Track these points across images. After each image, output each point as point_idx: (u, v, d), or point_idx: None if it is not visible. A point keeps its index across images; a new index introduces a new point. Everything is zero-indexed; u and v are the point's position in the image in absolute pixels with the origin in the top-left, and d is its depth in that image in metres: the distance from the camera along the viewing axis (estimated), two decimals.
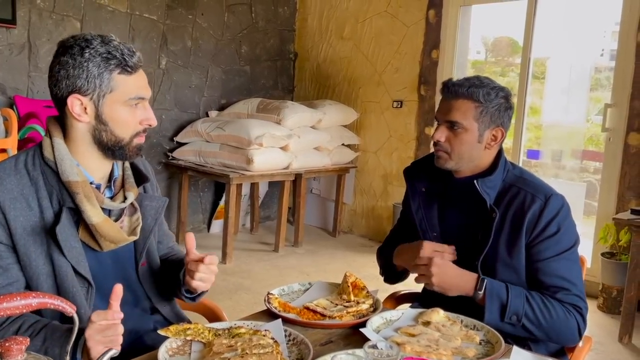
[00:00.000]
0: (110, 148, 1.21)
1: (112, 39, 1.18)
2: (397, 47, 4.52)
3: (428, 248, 1.39)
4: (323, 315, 1.30)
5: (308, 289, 1.49)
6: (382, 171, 4.67)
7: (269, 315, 1.30)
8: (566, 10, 5.64)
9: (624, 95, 3.46)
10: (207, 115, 4.53)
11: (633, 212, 3.00)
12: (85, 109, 1.17)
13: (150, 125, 1.24)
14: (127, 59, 1.17)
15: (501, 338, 1.18)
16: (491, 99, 1.40)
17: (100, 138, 1.19)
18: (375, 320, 1.27)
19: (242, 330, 1.15)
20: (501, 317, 1.32)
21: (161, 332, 1.10)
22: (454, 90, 1.41)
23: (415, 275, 1.44)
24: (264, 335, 1.11)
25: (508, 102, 1.43)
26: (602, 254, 3.42)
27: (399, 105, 4.53)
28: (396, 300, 1.69)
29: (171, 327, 1.11)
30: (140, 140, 1.24)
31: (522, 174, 1.47)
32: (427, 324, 1.26)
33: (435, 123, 1.49)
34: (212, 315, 1.53)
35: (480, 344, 1.20)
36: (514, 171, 1.47)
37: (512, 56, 6.90)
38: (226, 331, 1.16)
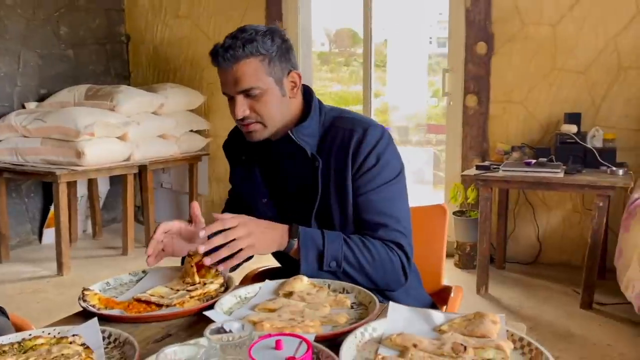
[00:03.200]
0: None
1: None
2: (239, 23, 4.19)
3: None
4: (159, 306, 1.02)
5: (142, 278, 1.19)
6: None
7: (86, 317, 0.99)
8: (398, 2, 6.06)
9: (459, 60, 3.60)
10: (24, 107, 3.86)
11: (478, 167, 3.13)
12: None
13: None
14: None
15: (375, 297, 1.01)
16: (269, 46, 1.20)
17: None
18: (227, 301, 1.03)
19: (40, 341, 0.84)
20: (319, 266, 1.15)
21: None
22: (229, 55, 1.17)
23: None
24: (70, 343, 0.81)
25: (285, 41, 1.25)
26: (454, 213, 3.54)
27: None
28: (253, 280, 1.46)
29: None
30: None
31: (341, 114, 1.32)
32: (289, 295, 1.05)
33: (226, 99, 1.26)
34: None
35: (352, 307, 1.02)
36: (332, 113, 1.32)
37: (354, 46, 7.12)
38: (15, 345, 0.83)
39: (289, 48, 1.25)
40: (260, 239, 1.13)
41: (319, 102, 1.32)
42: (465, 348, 0.79)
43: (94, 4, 4.42)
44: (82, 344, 0.81)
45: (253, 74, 1.19)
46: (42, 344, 0.83)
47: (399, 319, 0.89)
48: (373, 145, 1.24)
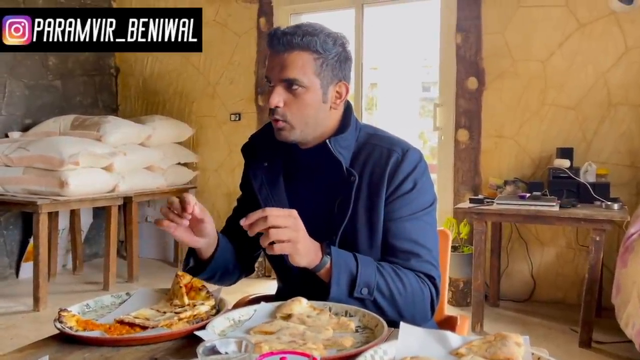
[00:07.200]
0: None
1: None
2: (230, 58, 4.28)
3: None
4: (144, 328, 0.93)
5: (125, 300, 1.09)
6: (225, 189, 4.32)
7: (61, 341, 0.89)
8: (387, 48, 6.23)
9: (450, 95, 3.61)
10: (7, 137, 3.77)
11: (472, 201, 3.08)
12: None
13: None
14: None
15: (382, 320, 0.93)
16: (329, 48, 1.15)
17: None
18: (219, 323, 0.94)
19: None
20: (350, 292, 1.06)
21: None
22: (286, 40, 1.13)
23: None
24: None
25: (346, 51, 1.21)
26: None
27: (237, 118, 4.26)
28: (246, 305, 1.36)
29: None
30: None
31: (376, 131, 1.26)
32: (287, 317, 0.96)
33: (267, 85, 1.21)
34: None
35: (356, 331, 0.93)
36: (366, 129, 1.26)
37: None
38: None
39: (347, 58, 1.20)
40: (305, 240, 1.04)
41: (355, 118, 1.26)
42: None
43: None
44: None
45: (301, 66, 1.13)
46: None
47: (411, 341, 0.81)
48: (412, 169, 1.17)
